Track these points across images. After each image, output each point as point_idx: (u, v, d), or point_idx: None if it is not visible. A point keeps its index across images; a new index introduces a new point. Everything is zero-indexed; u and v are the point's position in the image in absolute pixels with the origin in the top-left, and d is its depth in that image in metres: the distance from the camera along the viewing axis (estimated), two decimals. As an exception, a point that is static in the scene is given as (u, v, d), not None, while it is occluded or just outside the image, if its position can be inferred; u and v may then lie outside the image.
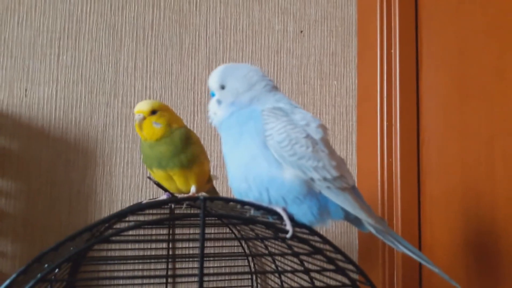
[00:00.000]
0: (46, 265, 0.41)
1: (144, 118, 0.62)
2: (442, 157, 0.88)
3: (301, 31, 1.04)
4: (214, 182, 0.81)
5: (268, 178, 0.49)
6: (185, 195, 0.61)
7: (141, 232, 0.89)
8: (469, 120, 0.81)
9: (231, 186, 0.53)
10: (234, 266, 0.91)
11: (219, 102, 0.55)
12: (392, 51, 0.97)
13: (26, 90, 0.89)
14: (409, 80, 0.96)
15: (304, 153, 0.48)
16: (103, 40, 0.93)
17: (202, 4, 0.99)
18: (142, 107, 0.62)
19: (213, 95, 0.57)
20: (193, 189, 0.65)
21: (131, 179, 0.92)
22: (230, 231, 0.91)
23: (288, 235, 0.45)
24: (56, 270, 0.55)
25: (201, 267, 0.38)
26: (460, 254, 0.81)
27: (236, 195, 0.52)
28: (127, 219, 0.84)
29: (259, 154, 0.49)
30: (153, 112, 0.63)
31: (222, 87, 0.55)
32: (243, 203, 0.48)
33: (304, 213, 0.48)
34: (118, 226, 0.83)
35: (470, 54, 0.82)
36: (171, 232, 0.90)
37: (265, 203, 0.49)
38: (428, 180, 0.92)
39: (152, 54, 0.95)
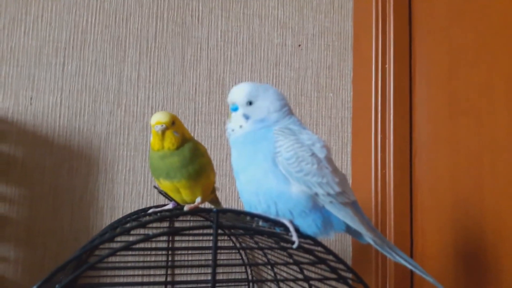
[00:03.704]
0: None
1: (167, 128, 0.64)
2: (433, 170, 0.91)
3: (299, 45, 1.08)
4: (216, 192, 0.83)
5: (276, 193, 0.52)
6: (193, 205, 0.64)
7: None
8: (459, 134, 0.85)
9: (241, 198, 0.56)
10: (231, 272, 0.93)
11: (246, 116, 0.57)
12: (387, 66, 1.01)
13: (31, 98, 0.91)
14: (402, 95, 1.00)
15: (309, 169, 0.52)
16: (108, 50, 0.96)
17: (204, 18, 1.02)
18: (163, 118, 0.64)
19: (236, 109, 0.58)
20: (198, 199, 0.67)
21: (132, 187, 0.94)
22: (229, 239, 0.93)
23: (294, 246, 0.48)
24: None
25: (214, 274, 0.41)
26: (450, 263, 0.84)
27: (246, 207, 0.55)
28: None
29: (270, 170, 0.53)
30: (173, 123, 0.65)
31: (250, 103, 0.57)
32: (253, 216, 0.51)
33: (309, 225, 0.52)
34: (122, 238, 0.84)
35: (461, 71, 0.85)
36: (170, 245, 0.92)
37: (272, 216, 0.52)
38: (420, 191, 0.95)
39: (155, 65, 0.98)
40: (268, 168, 0.53)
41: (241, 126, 0.57)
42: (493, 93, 0.77)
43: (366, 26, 1.05)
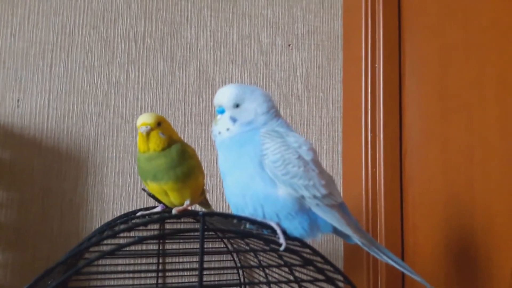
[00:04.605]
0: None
1: (152, 129, 0.63)
2: (424, 167, 0.91)
3: (289, 45, 1.07)
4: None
5: (263, 196, 0.52)
6: (181, 208, 0.63)
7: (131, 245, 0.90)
8: (449, 131, 0.85)
9: (228, 201, 0.55)
10: (223, 273, 0.93)
11: (233, 119, 0.57)
12: (376, 65, 1.01)
13: (18, 100, 0.90)
14: (392, 93, 1.00)
15: (296, 172, 0.52)
16: (96, 51, 0.95)
17: (193, 18, 1.02)
18: (148, 119, 0.64)
19: (222, 111, 0.58)
20: (187, 202, 0.67)
21: (122, 189, 0.93)
22: (220, 241, 0.93)
23: (282, 248, 0.48)
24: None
25: (201, 280, 0.41)
26: (441, 260, 0.84)
27: (232, 209, 0.55)
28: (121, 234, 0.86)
29: (256, 173, 0.52)
30: (159, 124, 0.65)
31: (237, 106, 0.57)
32: (240, 219, 0.51)
33: (295, 227, 0.52)
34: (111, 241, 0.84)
35: (451, 69, 0.86)
36: (161, 247, 0.92)
37: (259, 218, 0.52)
38: (411, 189, 0.95)
39: (144, 66, 0.97)
40: (254, 171, 0.53)
41: (228, 129, 0.57)
42: (484, 90, 0.77)
43: (355, 25, 1.05)
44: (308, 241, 0.52)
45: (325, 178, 0.54)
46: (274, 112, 0.58)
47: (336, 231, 0.55)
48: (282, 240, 0.49)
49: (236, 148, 0.55)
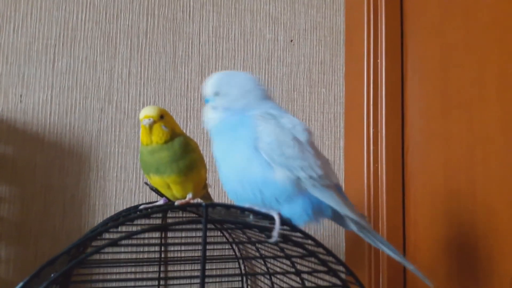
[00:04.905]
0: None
1: (154, 122, 0.64)
2: (426, 163, 0.92)
3: (291, 40, 1.07)
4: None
5: (261, 180, 0.52)
6: (184, 201, 0.63)
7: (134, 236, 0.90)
8: (450, 128, 0.85)
9: (225, 188, 0.56)
10: (225, 268, 0.93)
11: (213, 108, 0.58)
12: (379, 61, 1.01)
13: (21, 96, 0.90)
14: (394, 89, 1.00)
15: (291, 153, 0.52)
16: (98, 47, 0.95)
17: (195, 13, 1.02)
18: (151, 112, 0.64)
19: (207, 101, 0.60)
20: (189, 195, 0.67)
21: (124, 184, 0.94)
22: (222, 235, 0.93)
23: (272, 240, 0.47)
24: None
25: (203, 269, 0.41)
26: (442, 256, 0.84)
27: (230, 196, 0.55)
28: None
29: (252, 157, 0.52)
30: (161, 116, 0.65)
31: (217, 94, 0.58)
32: (242, 209, 0.51)
33: (300, 215, 0.52)
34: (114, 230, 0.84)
35: (452, 66, 0.86)
36: (163, 235, 0.92)
37: (258, 205, 0.52)
38: (412, 185, 0.96)
39: (146, 61, 0.98)
40: (250, 154, 0.52)
41: (212, 117, 0.58)
42: (485, 87, 0.77)
43: (358, 21, 1.05)
44: (307, 229, 0.52)
45: (321, 159, 0.54)
46: (260, 93, 0.58)
47: (334, 215, 0.55)
48: (275, 232, 0.48)
49: (228, 133, 0.55)
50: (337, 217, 0.56)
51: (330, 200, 0.53)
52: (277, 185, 0.51)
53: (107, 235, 0.52)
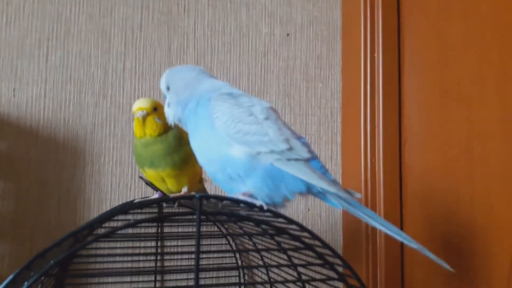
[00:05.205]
0: (32, 273, 0.41)
1: (148, 114, 0.63)
2: (423, 158, 0.91)
3: (288, 35, 1.07)
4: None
5: (223, 158, 0.53)
6: (179, 194, 0.63)
7: (130, 230, 0.90)
8: (449, 123, 0.85)
9: (207, 173, 0.57)
10: (222, 263, 0.93)
11: (168, 104, 0.61)
12: (376, 55, 1.00)
13: (14, 90, 0.89)
14: (391, 84, 1.00)
15: (248, 129, 0.53)
16: (92, 41, 0.94)
17: (190, 7, 1.01)
18: (144, 104, 0.64)
19: (166, 98, 0.62)
20: (184, 189, 0.66)
21: (119, 178, 0.93)
22: (218, 230, 0.93)
23: (259, 204, 0.50)
24: (43, 278, 0.56)
25: (197, 263, 0.40)
26: (440, 251, 0.84)
27: (212, 178, 0.57)
28: (118, 218, 0.85)
29: (212, 137, 0.54)
30: (155, 109, 0.65)
31: (168, 89, 0.61)
32: (234, 200, 0.51)
33: (260, 188, 0.52)
34: (110, 224, 0.83)
35: (450, 61, 0.85)
36: (160, 230, 0.91)
37: (229, 182, 0.54)
38: (410, 180, 0.95)
39: (141, 55, 0.97)
40: (210, 135, 0.54)
41: (168, 114, 0.61)
42: (484, 82, 0.77)
43: (354, 15, 1.05)
44: (304, 223, 0.52)
45: (285, 134, 0.54)
46: (197, 78, 0.60)
47: (311, 190, 0.55)
48: (259, 202, 0.50)
49: (190, 123, 0.58)
50: (315, 193, 0.55)
51: (299, 173, 0.52)
52: (234, 160, 0.53)
53: (102, 231, 0.52)
